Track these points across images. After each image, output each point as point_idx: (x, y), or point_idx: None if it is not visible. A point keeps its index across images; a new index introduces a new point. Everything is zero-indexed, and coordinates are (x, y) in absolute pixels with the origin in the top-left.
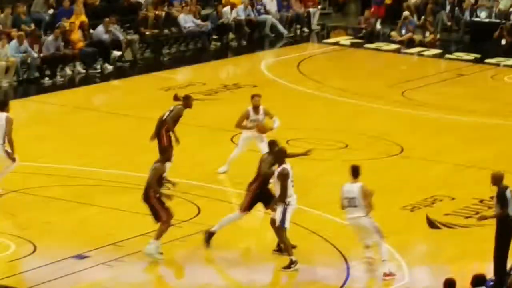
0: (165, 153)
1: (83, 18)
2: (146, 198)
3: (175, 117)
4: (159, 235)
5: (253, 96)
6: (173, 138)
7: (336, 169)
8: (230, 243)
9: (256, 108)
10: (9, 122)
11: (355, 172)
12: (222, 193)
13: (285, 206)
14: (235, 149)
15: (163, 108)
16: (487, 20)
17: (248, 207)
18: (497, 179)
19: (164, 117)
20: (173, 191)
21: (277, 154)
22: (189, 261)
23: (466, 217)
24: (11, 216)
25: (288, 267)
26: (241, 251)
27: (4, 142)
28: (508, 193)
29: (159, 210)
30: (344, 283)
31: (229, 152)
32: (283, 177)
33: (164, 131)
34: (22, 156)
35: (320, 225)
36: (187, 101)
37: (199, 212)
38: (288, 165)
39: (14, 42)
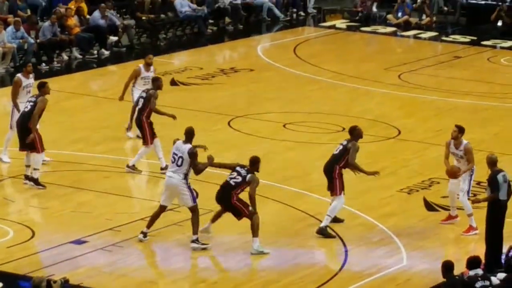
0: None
1: (83, 4)
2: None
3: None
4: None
5: (147, 56)
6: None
7: None
8: (225, 229)
9: (148, 66)
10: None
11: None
12: (219, 177)
13: None
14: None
15: (160, 93)
16: (483, 2)
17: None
18: (489, 163)
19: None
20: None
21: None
22: (186, 245)
23: None
24: (9, 202)
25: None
26: (236, 237)
27: None
28: (499, 177)
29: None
30: (342, 266)
31: (227, 136)
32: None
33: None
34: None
35: (318, 209)
36: (157, 83)
37: (197, 196)
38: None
39: (10, 28)
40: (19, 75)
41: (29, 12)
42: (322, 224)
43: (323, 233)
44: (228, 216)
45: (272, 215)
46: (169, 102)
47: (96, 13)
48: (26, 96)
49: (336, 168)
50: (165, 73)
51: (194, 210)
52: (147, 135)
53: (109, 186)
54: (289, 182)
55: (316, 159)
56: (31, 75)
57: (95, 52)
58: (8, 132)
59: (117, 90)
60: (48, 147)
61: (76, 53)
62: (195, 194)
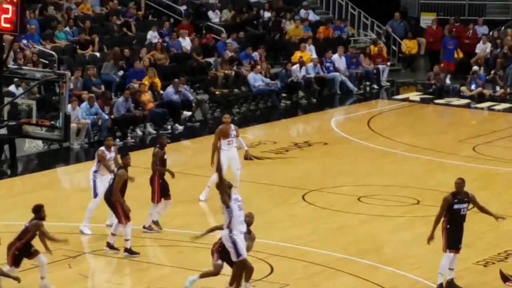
0: None
1: (156, 79)
2: None
3: None
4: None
5: (224, 116)
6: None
7: (408, 225)
8: None
9: (227, 125)
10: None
11: None
12: (294, 251)
13: None
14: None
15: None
16: None
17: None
18: None
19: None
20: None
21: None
22: None
23: None
24: (83, 278)
25: None
26: None
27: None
28: None
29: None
30: None
31: (301, 210)
32: None
33: None
34: (95, 218)
35: (393, 282)
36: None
37: (271, 271)
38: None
39: (84, 104)
40: (102, 148)
41: (103, 88)
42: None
43: None
44: None
45: None
46: (243, 176)
47: (170, 89)
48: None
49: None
50: (239, 147)
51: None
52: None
53: (184, 261)
54: (363, 255)
55: (390, 232)
56: (113, 148)
57: (169, 127)
58: (90, 202)
59: (192, 165)
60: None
61: (150, 129)
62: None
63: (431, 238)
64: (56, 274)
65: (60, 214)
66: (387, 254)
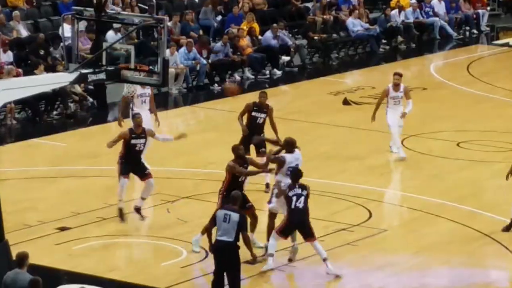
0: None
1: (255, 24)
2: None
3: None
4: None
5: (394, 74)
6: None
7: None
8: (397, 249)
9: (396, 86)
10: None
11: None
12: (393, 197)
13: None
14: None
15: (332, 113)
16: None
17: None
18: None
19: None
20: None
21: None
22: (361, 265)
23: None
24: (182, 222)
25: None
26: (409, 257)
27: None
28: None
29: None
30: None
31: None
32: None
33: None
34: (192, 163)
35: (492, 227)
36: None
37: (370, 216)
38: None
39: (183, 49)
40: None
41: (201, 33)
42: None
43: None
44: (396, 236)
45: (446, 234)
46: (342, 122)
47: (268, 34)
48: (141, 105)
49: None
50: (337, 92)
51: None
52: None
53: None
54: (462, 201)
55: (490, 178)
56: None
57: (267, 72)
58: None
59: (289, 111)
60: (220, 167)
61: (248, 74)
62: None
63: None
64: (155, 219)
65: (158, 159)
66: (486, 200)
